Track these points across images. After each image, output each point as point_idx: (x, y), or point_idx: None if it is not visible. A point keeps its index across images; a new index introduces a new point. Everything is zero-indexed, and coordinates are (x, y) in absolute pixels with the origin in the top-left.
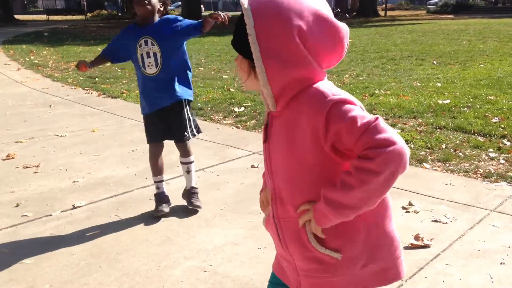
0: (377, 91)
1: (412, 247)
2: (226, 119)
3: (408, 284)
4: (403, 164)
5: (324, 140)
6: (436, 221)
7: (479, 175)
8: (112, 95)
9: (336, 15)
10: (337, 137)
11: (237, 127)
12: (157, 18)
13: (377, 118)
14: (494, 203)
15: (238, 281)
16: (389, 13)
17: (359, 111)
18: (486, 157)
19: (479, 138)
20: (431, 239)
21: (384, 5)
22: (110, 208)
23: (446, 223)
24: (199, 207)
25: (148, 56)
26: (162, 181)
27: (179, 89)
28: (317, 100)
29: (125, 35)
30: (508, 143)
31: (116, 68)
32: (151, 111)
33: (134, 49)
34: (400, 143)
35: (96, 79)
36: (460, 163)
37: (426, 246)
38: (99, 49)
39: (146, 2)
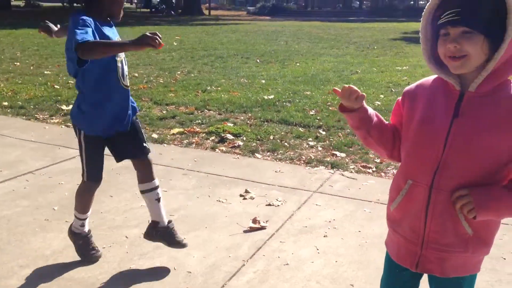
0: (208, 88)
1: (251, 230)
2: (54, 118)
3: (249, 264)
4: None
5: None
6: (269, 204)
7: (302, 162)
8: None
9: (161, 12)
10: None
11: (67, 126)
12: None
13: None
14: (315, 185)
15: (84, 283)
16: (212, 12)
17: None
18: (307, 146)
19: (300, 129)
20: (267, 221)
21: (207, 4)
22: None
23: (278, 205)
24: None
25: (125, 64)
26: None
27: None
28: None
29: (97, 30)
30: (324, 133)
31: None
32: (113, 132)
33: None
34: None
35: None
36: (286, 152)
37: (262, 228)
38: None
39: None
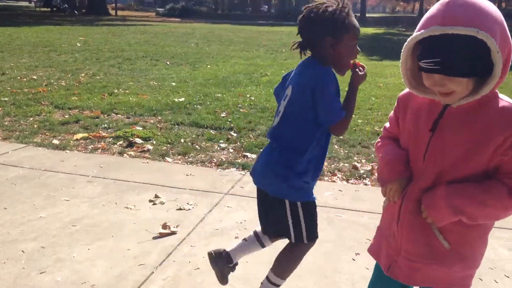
0: (116, 90)
1: (161, 235)
2: None
3: (158, 271)
4: None
5: (499, 150)
6: (180, 209)
7: (214, 164)
8: None
9: (64, 11)
10: (507, 154)
11: None
12: None
13: None
14: (227, 187)
15: None
16: (119, 12)
17: None
18: (218, 148)
19: (211, 131)
20: (177, 226)
21: (113, 4)
22: None
23: (189, 209)
24: None
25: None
26: None
27: None
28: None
29: None
30: (235, 135)
31: None
32: None
33: None
34: None
35: None
36: (198, 155)
37: (173, 233)
38: None
39: None
